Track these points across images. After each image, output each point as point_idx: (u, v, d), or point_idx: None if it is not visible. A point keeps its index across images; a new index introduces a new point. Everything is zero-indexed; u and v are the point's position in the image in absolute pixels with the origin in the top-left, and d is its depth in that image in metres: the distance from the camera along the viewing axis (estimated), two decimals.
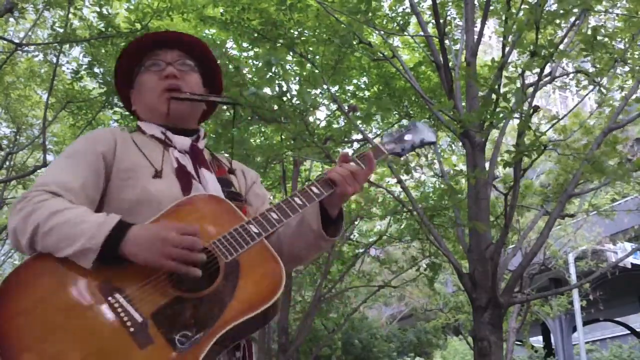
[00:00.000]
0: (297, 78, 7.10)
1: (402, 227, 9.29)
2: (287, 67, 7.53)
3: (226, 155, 1.90)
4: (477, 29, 6.11)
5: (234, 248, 1.29)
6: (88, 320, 1.16)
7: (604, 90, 5.72)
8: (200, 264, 1.22)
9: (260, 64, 5.48)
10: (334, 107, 8.23)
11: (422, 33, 6.76)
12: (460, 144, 6.59)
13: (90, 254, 1.20)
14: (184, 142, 1.53)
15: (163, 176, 1.43)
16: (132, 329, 1.16)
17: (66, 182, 1.35)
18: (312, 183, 1.46)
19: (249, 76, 6.12)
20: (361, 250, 10.35)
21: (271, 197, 9.28)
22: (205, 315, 1.21)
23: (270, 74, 5.18)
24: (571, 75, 7.60)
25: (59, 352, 1.13)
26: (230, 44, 8.25)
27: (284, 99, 5.50)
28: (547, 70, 5.92)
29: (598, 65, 5.44)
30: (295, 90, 7.47)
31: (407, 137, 1.67)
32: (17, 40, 8.84)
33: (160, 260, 1.20)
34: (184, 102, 1.53)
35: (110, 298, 1.19)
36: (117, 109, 8.58)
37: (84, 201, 1.35)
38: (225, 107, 6.40)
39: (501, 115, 4.32)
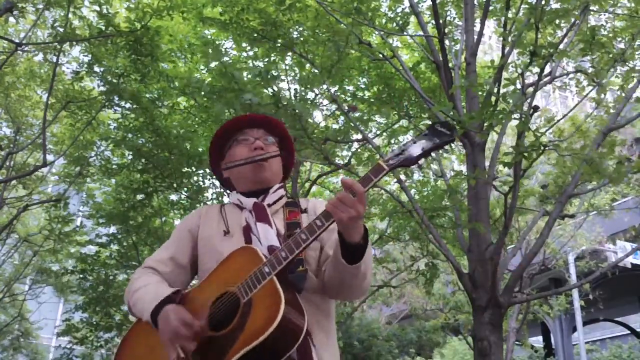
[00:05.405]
0: (296, 78, 7.07)
1: (395, 224, 9.27)
2: (284, 66, 7.51)
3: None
4: (477, 29, 6.11)
5: (249, 289, 1.52)
6: (157, 356, 1.60)
7: (603, 92, 5.70)
8: (192, 341, 1.54)
9: (254, 74, 5.51)
10: (333, 107, 8.21)
11: (421, 33, 6.75)
12: (460, 144, 6.57)
13: (151, 323, 1.63)
14: (248, 202, 1.81)
15: (232, 235, 1.76)
16: None
17: (158, 258, 1.85)
18: (317, 216, 1.57)
19: (249, 76, 6.11)
20: None
21: None
22: (222, 350, 1.47)
23: (264, 80, 5.19)
24: (571, 75, 7.58)
25: None
26: (229, 44, 8.25)
27: (279, 105, 5.48)
28: (547, 70, 5.90)
29: (597, 66, 5.41)
30: (294, 90, 7.43)
31: (421, 142, 1.56)
32: (17, 40, 8.83)
33: (162, 339, 1.57)
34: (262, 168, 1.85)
35: None
36: (117, 108, 8.58)
37: (173, 268, 1.83)
38: (226, 110, 6.39)
39: (500, 116, 4.30)
